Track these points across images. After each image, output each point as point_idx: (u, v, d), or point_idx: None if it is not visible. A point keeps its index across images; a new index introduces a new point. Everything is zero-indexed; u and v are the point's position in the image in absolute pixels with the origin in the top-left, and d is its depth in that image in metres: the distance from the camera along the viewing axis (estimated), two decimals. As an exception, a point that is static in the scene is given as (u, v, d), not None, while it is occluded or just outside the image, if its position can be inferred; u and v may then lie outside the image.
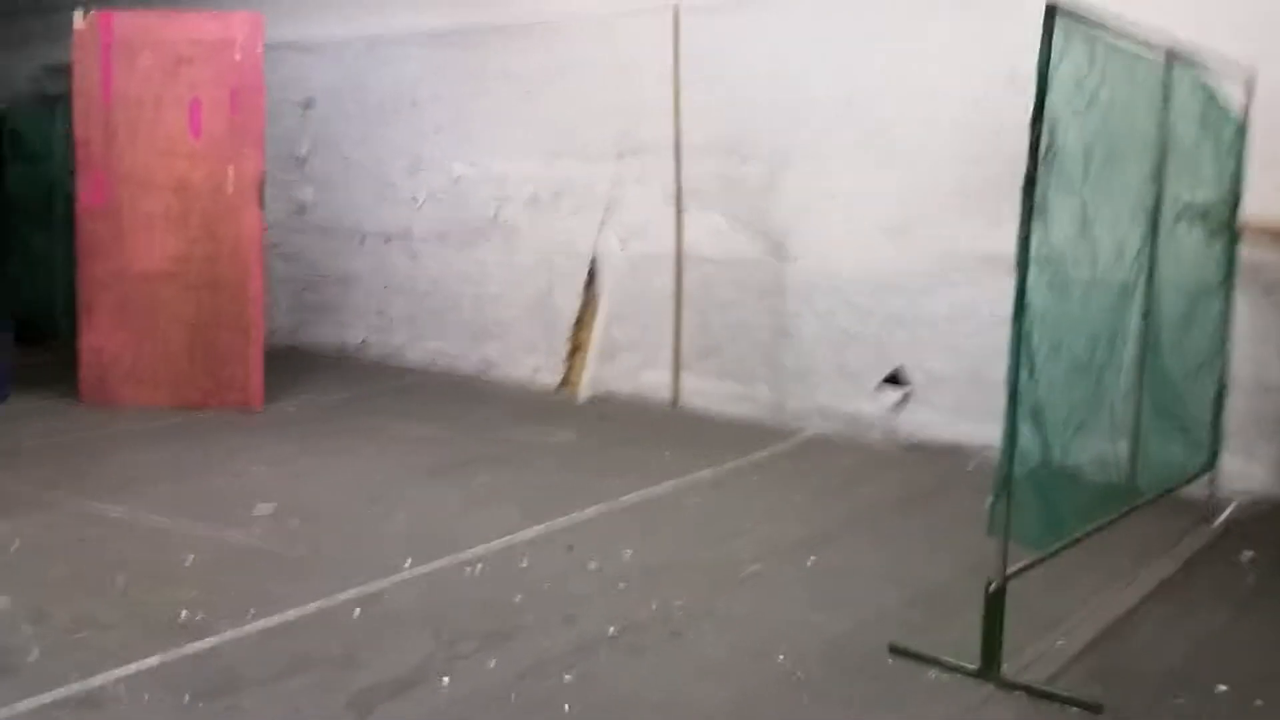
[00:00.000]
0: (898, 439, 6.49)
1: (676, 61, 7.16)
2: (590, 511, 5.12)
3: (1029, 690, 3.43)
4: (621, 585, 4.25)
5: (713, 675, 3.54)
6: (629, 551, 4.60)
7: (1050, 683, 3.48)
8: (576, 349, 7.82)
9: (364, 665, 3.52)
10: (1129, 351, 4.30)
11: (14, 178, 9.06)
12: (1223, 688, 3.50)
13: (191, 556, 4.41)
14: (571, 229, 7.79)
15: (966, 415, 6.08)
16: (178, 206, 6.88)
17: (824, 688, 3.48)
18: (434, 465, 5.87)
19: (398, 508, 5.12)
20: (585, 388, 7.66)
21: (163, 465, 5.77)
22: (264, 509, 5.00)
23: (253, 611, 3.85)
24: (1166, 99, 4.35)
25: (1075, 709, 3.34)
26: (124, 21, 6.80)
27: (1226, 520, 5.15)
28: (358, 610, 3.94)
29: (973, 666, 3.50)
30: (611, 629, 3.83)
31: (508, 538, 4.72)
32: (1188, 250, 4.73)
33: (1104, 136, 3.87)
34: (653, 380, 7.47)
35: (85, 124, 6.85)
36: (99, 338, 6.92)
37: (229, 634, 3.71)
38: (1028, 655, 3.64)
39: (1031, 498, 3.61)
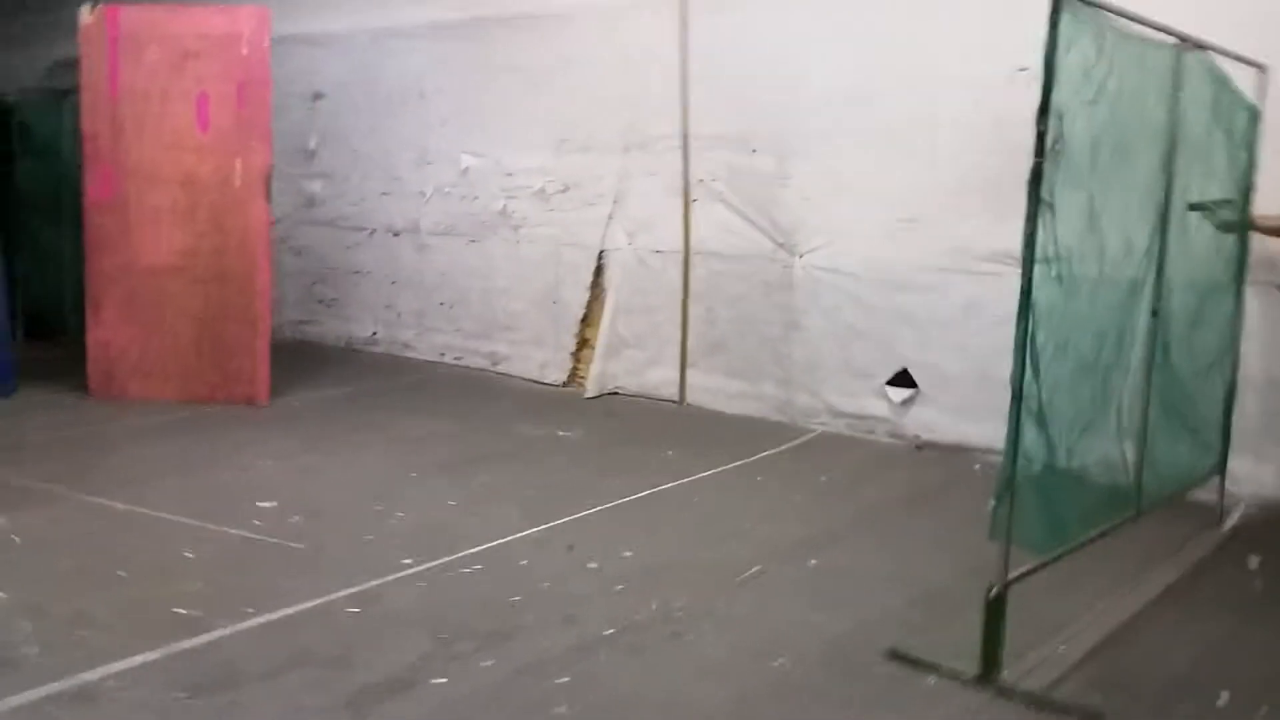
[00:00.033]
0: (905, 438, 6.45)
1: (684, 55, 7.11)
2: (592, 510, 5.10)
3: (1028, 697, 3.39)
4: (621, 585, 4.23)
5: (711, 676, 3.52)
6: (630, 551, 4.58)
7: (1051, 690, 3.45)
8: (583, 344, 7.80)
9: (362, 664, 3.51)
10: (1137, 351, 4.25)
11: (23, 172, 9.07)
12: (1226, 696, 3.45)
13: (193, 552, 4.41)
14: (579, 223, 7.76)
15: (974, 414, 6.03)
16: (185, 200, 6.88)
17: (822, 690, 3.46)
18: (438, 462, 5.86)
19: (401, 505, 5.11)
20: (592, 384, 7.63)
21: (167, 460, 5.78)
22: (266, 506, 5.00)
23: (252, 608, 3.85)
24: (1177, 88, 4.26)
25: (1075, 717, 3.31)
26: (130, 16, 6.80)
27: (1235, 524, 5.10)
28: (357, 609, 3.93)
29: (972, 672, 3.47)
30: (610, 629, 3.81)
31: (509, 536, 4.70)
32: (1198, 245, 4.65)
33: (1113, 128, 3.79)
34: (659, 377, 7.44)
35: (92, 118, 6.85)
36: (107, 332, 6.93)
37: (228, 630, 3.70)
38: (1029, 661, 3.60)
39: (1034, 501, 3.56)
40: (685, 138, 7.19)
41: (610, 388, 7.61)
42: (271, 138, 6.95)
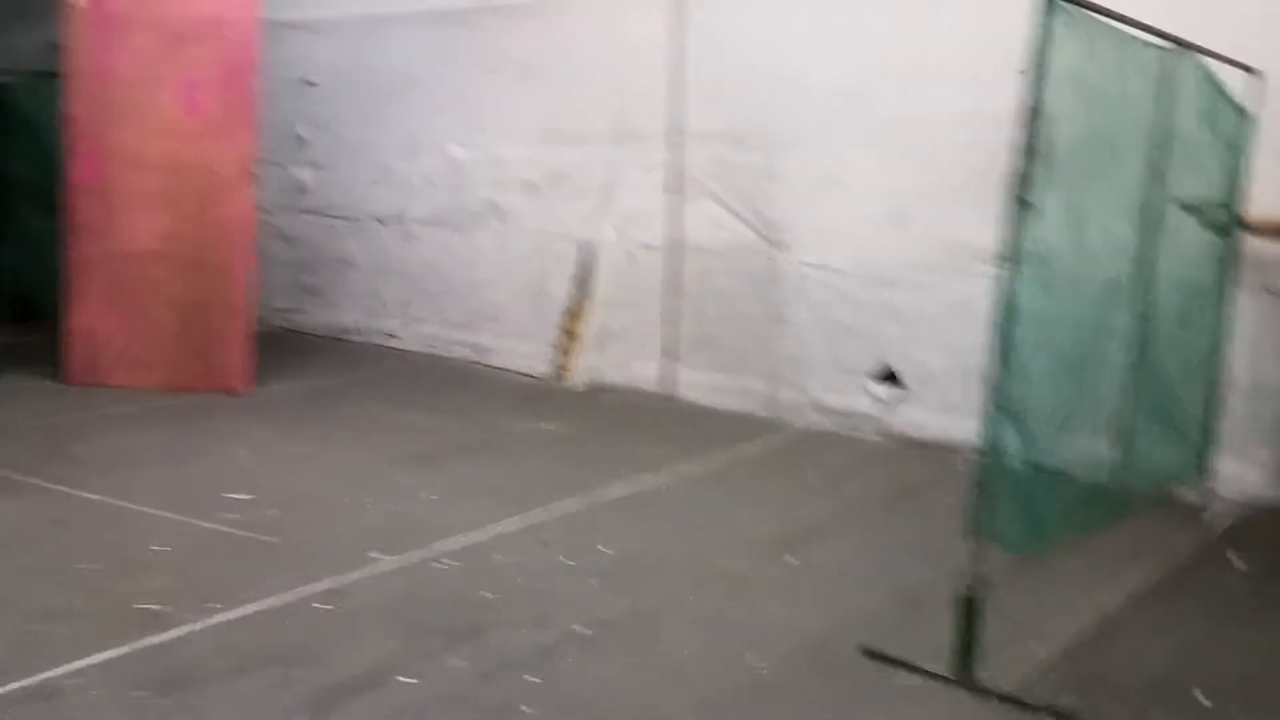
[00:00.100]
0: (889, 434, 6.40)
1: (678, 48, 7.04)
2: (571, 504, 5.05)
3: (1002, 697, 3.35)
4: (596, 582, 4.18)
5: (682, 677, 3.47)
6: (606, 546, 4.53)
7: (1026, 690, 3.40)
8: (570, 337, 7.75)
9: (328, 662, 3.46)
10: (1120, 349, 4.20)
11: (12, 154, 8.99)
12: (1204, 697, 3.41)
13: (163, 545, 4.36)
14: (567, 215, 7.70)
15: (958, 411, 5.95)
16: (170, 186, 6.81)
17: (793, 690, 3.41)
18: (418, 454, 5.81)
19: (377, 498, 5.06)
20: (578, 377, 7.58)
21: (144, 450, 5.72)
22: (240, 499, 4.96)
23: (220, 604, 3.80)
24: (1168, 90, 4.23)
25: (1050, 716, 3.27)
26: (119, -2, 6.73)
27: (1218, 524, 5.05)
28: (328, 605, 3.88)
29: (946, 671, 3.43)
30: (583, 628, 3.77)
31: (485, 531, 4.66)
32: (1186, 246, 4.62)
33: (1102, 129, 3.77)
34: (646, 371, 7.39)
35: (79, 101, 6.78)
36: (88, 318, 6.86)
37: (195, 626, 3.65)
38: (1005, 660, 3.54)
39: (1011, 499, 3.52)
40: (676, 131, 7.12)
41: (596, 381, 7.56)
42: (259, 125, 6.89)
